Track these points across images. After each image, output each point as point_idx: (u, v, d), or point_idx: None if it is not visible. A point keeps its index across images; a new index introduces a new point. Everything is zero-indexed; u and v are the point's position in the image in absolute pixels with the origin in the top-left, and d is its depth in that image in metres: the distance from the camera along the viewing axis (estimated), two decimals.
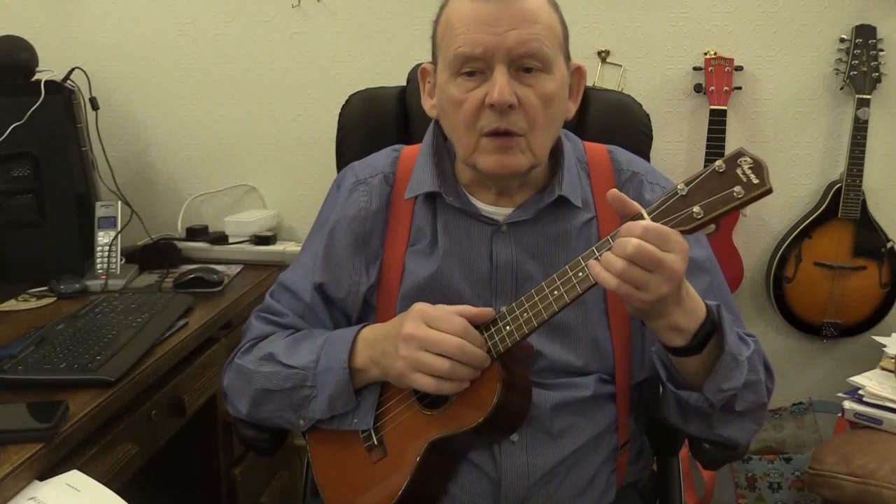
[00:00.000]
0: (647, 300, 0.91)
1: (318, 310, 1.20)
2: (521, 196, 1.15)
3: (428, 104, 1.17)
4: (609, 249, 0.92)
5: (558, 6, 1.10)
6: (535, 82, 1.05)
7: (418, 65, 1.22)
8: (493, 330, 1.02)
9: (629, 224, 0.91)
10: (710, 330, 0.99)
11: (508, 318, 1.01)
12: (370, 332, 1.11)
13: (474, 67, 1.04)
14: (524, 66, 1.04)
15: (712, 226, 0.91)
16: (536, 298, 0.99)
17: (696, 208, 0.90)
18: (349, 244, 1.18)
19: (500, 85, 1.02)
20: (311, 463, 1.20)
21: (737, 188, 0.88)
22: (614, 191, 0.94)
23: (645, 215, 0.92)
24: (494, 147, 1.06)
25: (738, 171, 0.88)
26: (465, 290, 1.13)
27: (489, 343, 1.02)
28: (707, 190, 0.89)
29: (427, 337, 1.00)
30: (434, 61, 1.13)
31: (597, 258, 0.93)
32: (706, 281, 1.13)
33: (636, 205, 0.93)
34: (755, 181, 0.87)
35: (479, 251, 1.13)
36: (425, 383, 1.01)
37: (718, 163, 0.89)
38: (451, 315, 1.01)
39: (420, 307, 1.03)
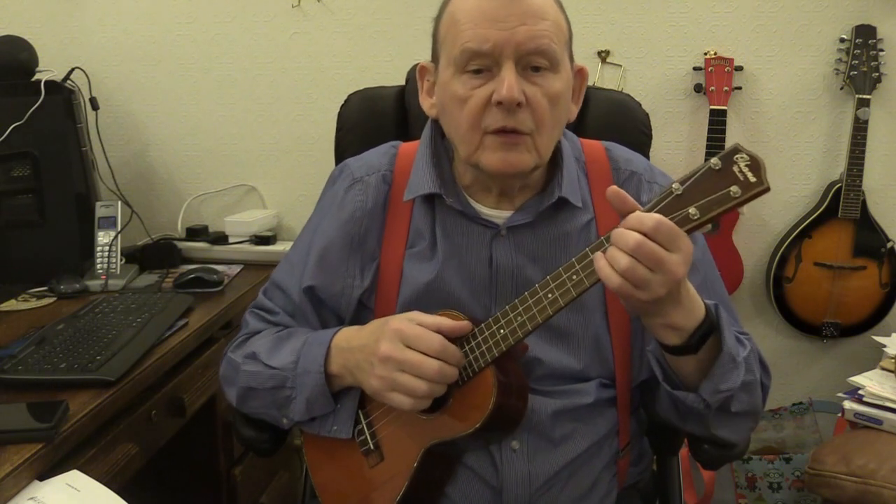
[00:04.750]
0: (644, 300, 0.90)
1: (306, 311, 1.19)
2: (521, 198, 1.13)
3: (427, 103, 1.15)
4: (603, 250, 0.91)
5: (563, 6, 1.09)
6: (543, 81, 1.03)
7: (417, 64, 1.22)
8: (486, 334, 1.00)
9: (639, 215, 0.89)
10: (708, 330, 0.98)
11: (503, 322, 0.99)
12: (344, 339, 1.10)
13: (481, 64, 1.02)
14: (532, 64, 1.02)
15: (709, 226, 0.89)
16: (531, 301, 0.97)
17: (692, 209, 0.87)
18: (343, 246, 1.17)
19: (509, 82, 0.99)
20: (309, 467, 1.20)
21: (733, 188, 0.85)
22: (614, 188, 0.92)
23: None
24: (499, 144, 1.03)
25: (735, 168, 0.85)
26: (464, 295, 1.11)
27: (484, 346, 1.00)
28: (703, 189, 0.87)
29: (405, 359, 0.99)
30: (434, 59, 1.11)
31: (592, 259, 0.92)
32: (699, 279, 1.12)
33: (635, 203, 0.91)
34: (752, 180, 0.85)
35: (478, 255, 1.12)
36: (402, 402, 1.01)
37: (714, 160, 0.86)
38: (429, 334, 1.00)
39: (395, 325, 1.02)
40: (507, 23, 1.00)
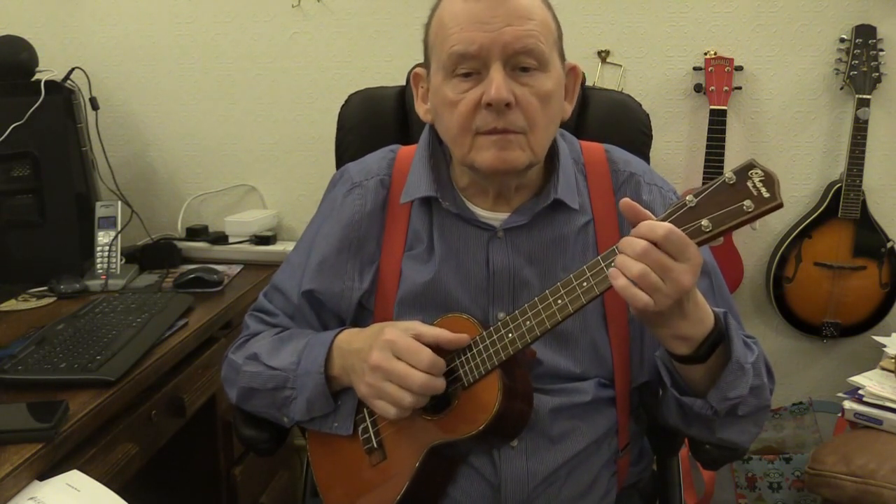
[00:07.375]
0: (653, 309, 0.90)
1: (305, 313, 1.20)
2: (517, 199, 1.13)
3: (422, 109, 1.15)
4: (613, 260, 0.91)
5: (551, 5, 1.09)
6: (532, 81, 1.03)
7: (418, 64, 1.22)
8: (495, 337, 1.01)
9: (650, 223, 0.89)
10: (717, 339, 0.98)
11: (511, 326, 1.00)
12: (345, 340, 1.11)
13: (470, 68, 1.02)
14: (520, 64, 1.02)
15: (720, 239, 0.88)
16: (540, 307, 0.98)
17: (704, 221, 0.88)
18: (342, 250, 1.17)
19: (497, 83, 1.00)
20: (311, 463, 1.21)
21: (747, 202, 0.86)
22: (627, 200, 0.92)
23: None
24: (492, 142, 1.03)
25: (749, 183, 0.86)
26: (462, 296, 1.11)
27: (491, 350, 1.01)
28: (716, 203, 0.88)
29: (393, 370, 1.00)
30: (426, 65, 1.11)
31: (602, 267, 0.92)
32: (706, 283, 1.12)
33: (649, 214, 0.91)
34: (766, 195, 0.86)
35: (475, 257, 1.12)
36: (386, 410, 1.02)
37: (728, 174, 0.87)
38: (418, 347, 1.00)
39: (389, 335, 1.02)
40: (492, 24, 1.00)
